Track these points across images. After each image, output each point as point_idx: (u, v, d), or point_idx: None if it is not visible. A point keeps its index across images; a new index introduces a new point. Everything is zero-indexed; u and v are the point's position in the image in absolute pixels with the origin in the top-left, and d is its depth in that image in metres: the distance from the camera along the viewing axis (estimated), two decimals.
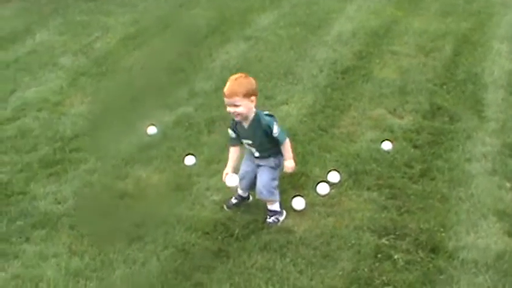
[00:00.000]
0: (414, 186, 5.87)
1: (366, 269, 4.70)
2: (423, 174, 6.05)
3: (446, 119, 7.22)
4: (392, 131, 6.85)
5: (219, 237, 5.14)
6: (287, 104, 7.62)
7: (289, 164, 5.31)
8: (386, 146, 6.45)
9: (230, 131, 5.41)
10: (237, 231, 5.18)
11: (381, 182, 5.82)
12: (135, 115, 7.58)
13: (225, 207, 5.55)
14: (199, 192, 5.81)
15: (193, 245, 5.06)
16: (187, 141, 6.82)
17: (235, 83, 5.14)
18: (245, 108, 5.11)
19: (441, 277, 4.67)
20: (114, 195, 5.83)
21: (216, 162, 6.24)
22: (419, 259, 4.86)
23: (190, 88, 8.24)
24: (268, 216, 5.35)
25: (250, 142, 5.32)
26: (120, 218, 5.48)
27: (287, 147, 5.32)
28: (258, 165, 5.40)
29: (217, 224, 5.30)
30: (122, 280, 4.66)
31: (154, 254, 4.96)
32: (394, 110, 7.39)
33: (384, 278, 4.61)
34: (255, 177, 5.40)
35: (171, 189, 5.91)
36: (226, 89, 5.12)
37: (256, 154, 5.36)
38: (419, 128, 6.95)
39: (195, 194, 5.79)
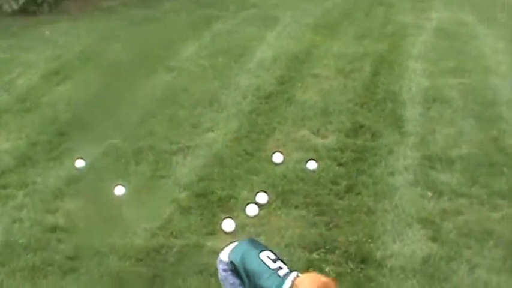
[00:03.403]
0: (340, 201, 6.06)
1: None
2: (349, 189, 6.25)
3: (369, 136, 7.48)
4: (316, 151, 7.04)
5: (153, 264, 5.16)
6: (213, 131, 7.74)
7: None
8: (312, 165, 6.63)
9: None
10: (171, 257, 5.21)
11: (308, 200, 5.98)
12: (62, 149, 7.53)
13: None
14: (130, 221, 5.82)
15: (128, 272, 5.07)
16: (115, 172, 6.83)
17: None
18: None
19: (371, 285, 4.85)
20: (45, 230, 5.77)
21: (145, 191, 6.27)
22: (349, 270, 5.02)
23: (116, 120, 8.24)
24: None
25: None
26: (52, 251, 5.42)
27: None
28: None
29: (150, 251, 5.33)
30: None
31: (88, 285, 4.95)
32: (318, 130, 7.61)
33: None
34: None
35: (102, 220, 5.91)
36: None
37: None
38: (342, 147, 7.17)
39: (126, 223, 5.80)
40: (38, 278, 5.04)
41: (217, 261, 4.25)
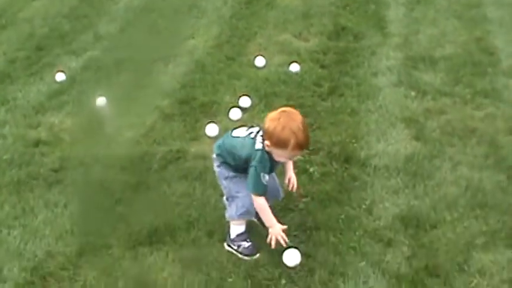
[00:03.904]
0: (324, 103, 6.03)
1: (283, 184, 4.81)
2: (332, 91, 6.22)
3: (351, 38, 7.41)
4: (299, 54, 6.97)
5: (138, 171, 5.16)
6: (193, 38, 7.64)
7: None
8: (294, 68, 6.58)
9: (265, 174, 4.01)
10: (154, 164, 5.21)
11: (291, 102, 5.93)
12: (41, 64, 7.43)
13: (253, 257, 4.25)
14: (113, 131, 5.80)
15: (112, 181, 5.07)
16: (97, 83, 6.76)
17: (306, 126, 3.98)
18: None
19: (356, 184, 4.87)
20: (28, 144, 5.73)
21: (127, 100, 6.22)
22: (333, 170, 5.04)
23: (95, 32, 8.12)
24: None
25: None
26: (37, 165, 5.40)
27: None
28: None
29: (134, 159, 5.32)
30: (45, 223, 4.63)
31: (75, 195, 4.94)
32: (300, 33, 7.52)
33: (302, 190, 4.75)
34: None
35: (85, 132, 5.88)
36: (304, 140, 3.88)
37: None
38: (325, 49, 7.10)
39: (109, 133, 5.78)
40: (24, 192, 5.03)
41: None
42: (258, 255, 4.19)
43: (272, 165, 4.04)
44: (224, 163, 4.18)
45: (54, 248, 4.36)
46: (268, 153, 3.95)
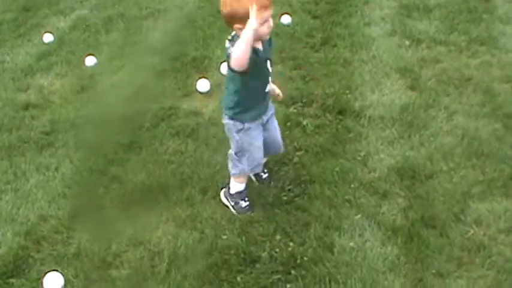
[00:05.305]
0: (316, 54, 5.94)
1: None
2: (324, 42, 6.12)
3: None
4: (290, 5, 6.87)
5: (129, 130, 5.09)
6: None
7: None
8: (286, 19, 6.46)
9: None
10: (146, 122, 5.14)
11: (283, 54, 5.84)
12: (29, 26, 7.32)
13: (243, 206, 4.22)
14: (104, 91, 5.72)
15: (104, 141, 5.01)
16: (85, 43, 6.67)
17: None
18: None
19: (350, 135, 4.80)
20: (18, 108, 5.65)
21: (117, 58, 6.13)
22: (327, 122, 4.96)
23: None
24: (267, 176, 4.47)
25: (269, 63, 3.94)
26: (27, 129, 5.33)
27: None
28: (265, 124, 4.12)
29: (125, 118, 5.24)
30: (37, 187, 4.58)
31: (66, 157, 4.88)
32: None
33: (295, 144, 4.70)
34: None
35: (75, 93, 5.80)
36: None
37: (268, 88, 4.01)
38: None
39: (99, 92, 5.70)
40: (16, 156, 4.97)
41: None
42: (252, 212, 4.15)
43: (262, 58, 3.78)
44: (237, 114, 3.93)
45: (47, 211, 4.31)
46: None
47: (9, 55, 6.66)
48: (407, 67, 5.67)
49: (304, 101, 5.18)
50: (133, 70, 5.96)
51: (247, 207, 4.17)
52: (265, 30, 3.68)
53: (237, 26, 3.63)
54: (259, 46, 3.78)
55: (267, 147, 4.14)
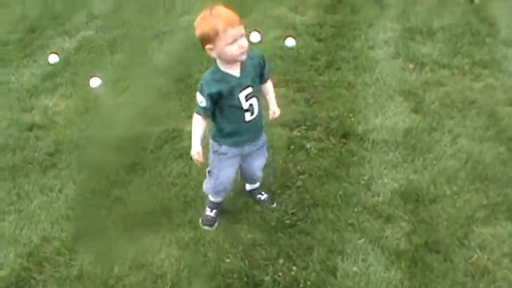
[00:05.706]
0: (321, 77, 5.95)
1: (280, 161, 4.75)
2: (328, 65, 6.14)
3: (348, 10, 7.33)
4: (295, 28, 6.89)
5: (133, 152, 5.09)
6: (188, 14, 7.51)
7: (277, 109, 4.09)
8: (290, 42, 6.49)
9: (203, 97, 3.75)
10: (150, 144, 5.15)
11: (287, 77, 5.86)
12: (34, 46, 7.37)
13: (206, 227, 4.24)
14: (108, 112, 5.73)
15: (107, 163, 5.00)
16: (90, 64, 6.69)
17: (229, 9, 3.59)
18: None
19: (354, 159, 4.79)
20: (22, 128, 5.67)
21: (122, 80, 6.14)
22: (331, 145, 4.96)
23: (88, 12, 8.04)
24: (266, 197, 4.44)
25: (250, 90, 3.75)
26: (31, 150, 5.34)
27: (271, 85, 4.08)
28: (246, 155, 4.04)
29: (129, 140, 5.24)
30: (40, 208, 4.57)
31: (70, 179, 4.88)
32: (296, 7, 7.43)
33: (299, 167, 4.70)
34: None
35: (79, 114, 5.81)
36: (230, 16, 3.54)
37: (250, 117, 3.82)
38: (321, 22, 7.01)
39: (104, 114, 5.71)
40: (19, 176, 4.96)
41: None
42: (211, 229, 4.18)
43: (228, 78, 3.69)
44: (217, 136, 3.92)
45: (50, 233, 4.30)
46: (216, 68, 3.69)
47: (14, 75, 6.70)
48: (410, 90, 5.68)
49: (308, 124, 5.19)
50: (137, 91, 5.97)
51: (210, 218, 4.21)
52: (235, 51, 3.54)
53: (208, 46, 3.59)
54: (233, 71, 3.68)
55: (243, 175, 4.22)
